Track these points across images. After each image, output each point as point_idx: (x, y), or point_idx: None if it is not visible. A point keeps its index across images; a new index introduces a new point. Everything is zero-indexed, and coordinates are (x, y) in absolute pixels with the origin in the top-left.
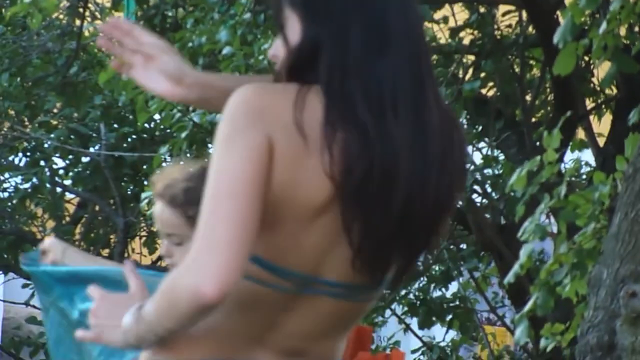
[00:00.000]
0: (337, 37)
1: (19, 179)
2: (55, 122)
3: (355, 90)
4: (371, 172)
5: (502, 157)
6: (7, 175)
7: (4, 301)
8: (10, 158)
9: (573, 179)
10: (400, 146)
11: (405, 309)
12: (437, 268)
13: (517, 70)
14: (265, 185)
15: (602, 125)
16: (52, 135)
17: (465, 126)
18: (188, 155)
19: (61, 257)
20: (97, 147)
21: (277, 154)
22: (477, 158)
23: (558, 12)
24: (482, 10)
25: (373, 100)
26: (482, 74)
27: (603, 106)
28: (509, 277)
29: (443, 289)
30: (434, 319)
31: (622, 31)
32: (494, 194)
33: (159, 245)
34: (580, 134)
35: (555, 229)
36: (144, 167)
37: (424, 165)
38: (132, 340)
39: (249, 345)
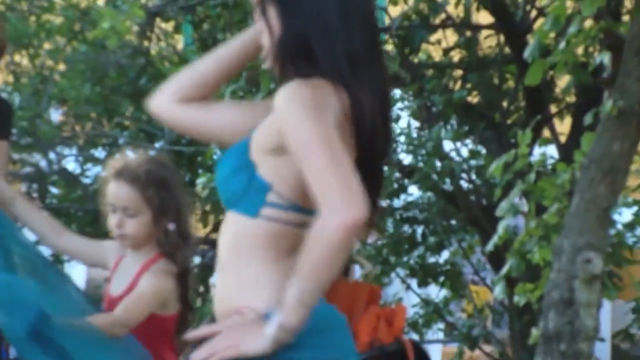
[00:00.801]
0: (320, 28)
1: (99, 168)
2: (127, 123)
3: (363, 78)
4: (374, 136)
5: (484, 151)
6: (89, 165)
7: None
8: (92, 151)
9: (540, 168)
10: (376, 110)
11: (407, 272)
12: (432, 239)
13: (496, 82)
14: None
15: (564, 126)
16: (125, 133)
17: (455, 127)
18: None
19: (7, 201)
20: (160, 143)
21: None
22: (465, 152)
23: (529, 36)
24: (468, 34)
25: (364, 76)
26: (469, 85)
27: (564, 111)
28: (489, 246)
29: (437, 256)
30: (429, 280)
31: (580, 50)
32: (477, 181)
33: (210, 220)
34: (546, 132)
35: (526, 209)
36: (198, 158)
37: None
38: (291, 329)
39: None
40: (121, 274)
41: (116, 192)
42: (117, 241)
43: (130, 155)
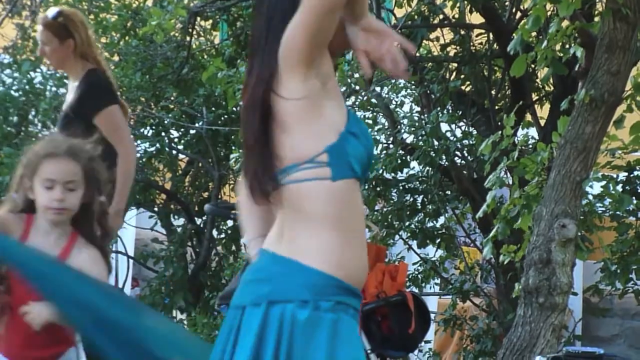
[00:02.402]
0: None
1: (147, 145)
2: (172, 106)
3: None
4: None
5: (475, 132)
6: (139, 142)
7: (135, 227)
8: (142, 130)
9: (523, 147)
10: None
11: (408, 235)
12: (430, 207)
13: (486, 73)
14: None
15: (544, 111)
16: (169, 115)
17: (451, 111)
18: None
19: None
20: (200, 123)
21: None
22: (458, 133)
23: (514, 34)
24: (462, 32)
25: None
26: (462, 76)
27: (544, 98)
28: (479, 213)
29: (434, 222)
30: (428, 242)
31: (558, 47)
32: (469, 157)
33: None
34: (528, 117)
35: (510, 181)
36: (232, 137)
37: None
38: None
39: None
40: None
41: (59, 168)
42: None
43: (58, 137)
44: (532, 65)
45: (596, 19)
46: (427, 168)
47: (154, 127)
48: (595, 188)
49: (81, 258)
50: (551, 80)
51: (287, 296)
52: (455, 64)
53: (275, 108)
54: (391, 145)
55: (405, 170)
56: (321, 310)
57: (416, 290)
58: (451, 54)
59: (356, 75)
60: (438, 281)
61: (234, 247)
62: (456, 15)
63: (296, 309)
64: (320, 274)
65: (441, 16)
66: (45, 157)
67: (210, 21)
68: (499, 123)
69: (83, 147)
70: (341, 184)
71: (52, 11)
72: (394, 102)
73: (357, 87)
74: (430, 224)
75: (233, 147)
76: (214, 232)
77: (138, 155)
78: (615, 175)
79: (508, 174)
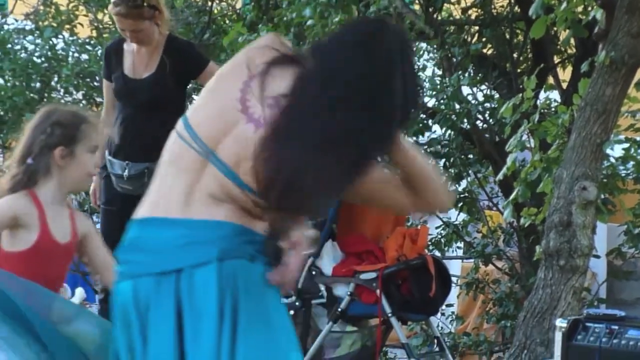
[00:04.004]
0: None
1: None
2: None
3: None
4: None
5: (497, 95)
6: None
7: None
8: None
9: (545, 110)
10: None
11: None
12: (452, 171)
13: (507, 36)
14: None
15: (566, 74)
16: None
17: (472, 75)
18: None
19: None
20: None
21: None
22: (480, 96)
23: None
24: None
25: None
26: (484, 39)
27: (566, 61)
28: (500, 176)
29: (456, 185)
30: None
31: (579, 9)
32: (491, 121)
33: None
34: (551, 80)
35: (532, 144)
36: None
37: None
38: None
39: None
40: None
41: (101, 134)
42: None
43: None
44: (554, 28)
45: None
46: (449, 131)
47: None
48: (617, 151)
49: (87, 222)
50: (573, 43)
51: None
52: (477, 27)
53: None
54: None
55: (427, 134)
56: None
57: (439, 254)
58: (472, 17)
59: None
60: (461, 245)
61: None
62: None
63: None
64: None
65: None
66: (88, 122)
67: None
68: (521, 86)
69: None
70: None
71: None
72: (415, 66)
73: None
74: (452, 188)
75: None
76: None
77: None
78: (638, 138)
79: (529, 136)
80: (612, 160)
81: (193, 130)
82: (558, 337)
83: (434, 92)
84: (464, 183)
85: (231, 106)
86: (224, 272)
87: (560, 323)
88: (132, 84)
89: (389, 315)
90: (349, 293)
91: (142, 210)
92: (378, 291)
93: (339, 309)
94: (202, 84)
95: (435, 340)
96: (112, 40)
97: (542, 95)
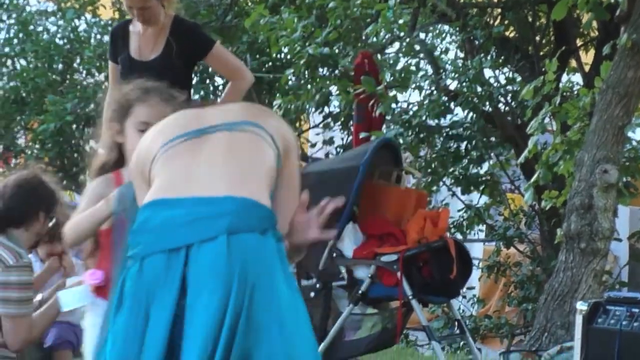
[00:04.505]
0: None
1: (192, 92)
2: None
3: None
4: None
5: (519, 78)
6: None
7: None
8: None
9: (567, 93)
10: None
11: (452, 181)
12: (474, 153)
13: (530, 19)
14: None
15: (588, 57)
16: None
17: (494, 57)
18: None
19: None
20: None
21: None
22: (502, 79)
23: None
24: None
25: None
26: (506, 22)
27: (589, 44)
28: (521, 159)
29: (478, 168)
30: (472, 188)
31: None
32: (513, 103)
33: None
34: (573, 63)
35: (553, 127)
36: (276, 84)
37: None
38: None
39: None
40: None
41: (155, 111)
42: None
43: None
44: (577, 11)
45: None
46: (471, 114)
47: (198, 75)
48: (638, 134)
49: None
50: (595, 26)
51: None
52: (499, 10)
53: None
54: (434, 92)
55: (449, 116)
56: None
57: (460, 237)
58: (495, 0)
59: (400, 22)
60: (483, 228)
61: None
62: None
63: None
64: None
65: None
66: (139, 99)
67: None
68: (543, 69)
69: (174, 92)
70: None
71: None
72: (438, 49)
73: (401, 34)
74: (474, 171)
75: (276, 94)
76: None
77: None
78: None
79: (551, 119)
80: (634, 143)
81: None
82: (578, 320)
83: (456, 75)
84: (485, 166)
85: None
86: (233, 245)
87: (581, 306)
88: (138, 65)
89: (410, 297)
90: (369, 275)
91: (150, 194)
92: (399, 273)
93: (360, 291)
94: (209, 65)
95: (456, 323)
96: (119, 22)
97: (565, 78)
